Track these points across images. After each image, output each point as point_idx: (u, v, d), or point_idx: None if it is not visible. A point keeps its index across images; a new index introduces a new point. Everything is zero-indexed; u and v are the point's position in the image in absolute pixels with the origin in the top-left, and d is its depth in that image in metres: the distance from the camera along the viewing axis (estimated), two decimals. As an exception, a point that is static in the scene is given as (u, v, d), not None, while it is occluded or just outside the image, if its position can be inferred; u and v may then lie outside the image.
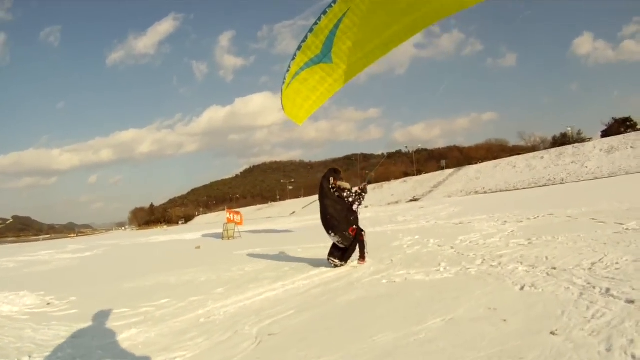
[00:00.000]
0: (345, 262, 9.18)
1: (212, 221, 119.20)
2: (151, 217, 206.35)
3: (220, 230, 27.92)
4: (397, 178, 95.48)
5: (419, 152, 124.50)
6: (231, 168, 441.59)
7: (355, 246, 9.20)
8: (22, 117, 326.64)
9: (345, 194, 9.22)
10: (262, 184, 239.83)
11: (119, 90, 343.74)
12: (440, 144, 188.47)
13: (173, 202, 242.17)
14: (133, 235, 74.72)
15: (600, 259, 6.40)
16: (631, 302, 4.38)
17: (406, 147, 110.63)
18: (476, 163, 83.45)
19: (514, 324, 4.25)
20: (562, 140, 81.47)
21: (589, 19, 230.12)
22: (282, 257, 12.95)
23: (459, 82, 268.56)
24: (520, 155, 74.48)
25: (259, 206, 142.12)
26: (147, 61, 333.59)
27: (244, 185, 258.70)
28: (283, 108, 10.88)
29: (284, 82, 10.07)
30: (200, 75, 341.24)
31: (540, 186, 51.34)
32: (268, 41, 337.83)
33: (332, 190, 9.23)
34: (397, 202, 68.34)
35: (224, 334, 5.36)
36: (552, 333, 3.90)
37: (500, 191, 55.30)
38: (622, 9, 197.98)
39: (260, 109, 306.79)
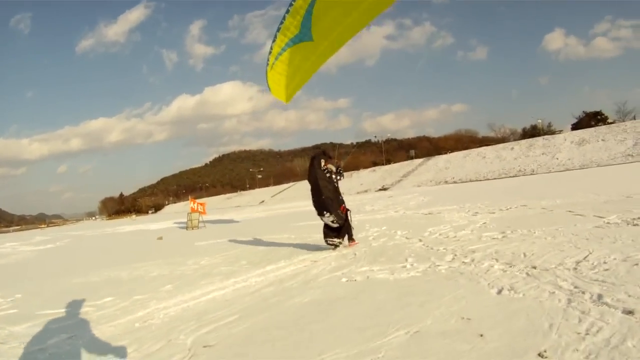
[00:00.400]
0: (342, 238, 9.47)
1: (181, 210, 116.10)
2: (121, 206, 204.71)
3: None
4: (366, 167, 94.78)
5: (388, 141, 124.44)
6: (200, 157, 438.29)
7: (348, 224, 9.50)
8: None
9: (333, 176, 9.62)
10: (232, 172, 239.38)
11: (88, 78, 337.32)
12: (410, 134, 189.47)
13: (143, 192, 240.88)
14: (102, 225, 73.45)
15: (585, 257, 5.68)
16: (630, 312, 3.66)
17: (375, 136, 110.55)
18: (445, 153, 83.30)
19: (493, 341, 3.46)
20: (532, 132, 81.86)
21: (561, 16, 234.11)
22: (241, 248, 12.24)
23: (428, 74, 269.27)
24: (490, 146, 74.46)
25: (228, 195, 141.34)
26: (117, 49, 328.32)
27: (213, 174, 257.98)
28: (269, 89, 10.82)
29: (267, 64, 10.07)
30: (170, 64, 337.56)
31: (510, 177, 51.38)
32: (239, 30, 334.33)
33: (324, 172, 9.53)
34: (366, 191, 67.94)
35: (156, 343, 4.58)
36: (541, 355, 3.12)
37: (470, 181, 55.28)
38: (595, 7, 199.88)
39: (229, 98, 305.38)
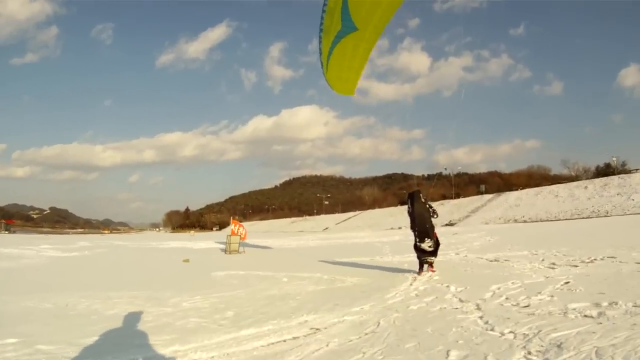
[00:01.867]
0: (435, 257, 10.96)
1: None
2: (185, 220, 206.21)
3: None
4: (434, 200, 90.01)
5: (459, 175, 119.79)
6: (272, 179, 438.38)
7: (438, 246, 10.97)
8: (69, 111, 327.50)
9: (431, 209, 11.08)
10: (300, 196, 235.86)
11: (166, 92, 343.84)
12: (482, 168, 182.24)
13: (210, 208, 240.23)
14: (158, 237, 73.49)
15: None
16: None
17: (445, 168, 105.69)
18: (517, 189, 78.77)
19: None
20: (605, 171, 76.54)
21: (636, 49, 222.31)
22: (252, 289, 10.11)
23: (504, 108, 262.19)
24: (563, 184, 69.90)
25: (293, 219, 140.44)
26: (196, 66, 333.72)
27: (282, 197, 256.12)
28: (332, 88, 11.26)
29: (322, 66, 10.44)
30: (249, 84, 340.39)
31: (583, 218, 47.14)
32: (318, 54, 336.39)
33: (426, 205, 10.99)
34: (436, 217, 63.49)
35: None
36: None
37: (541, 221, 51.29)
38: None
39: (305, 121, 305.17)
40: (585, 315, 5.51)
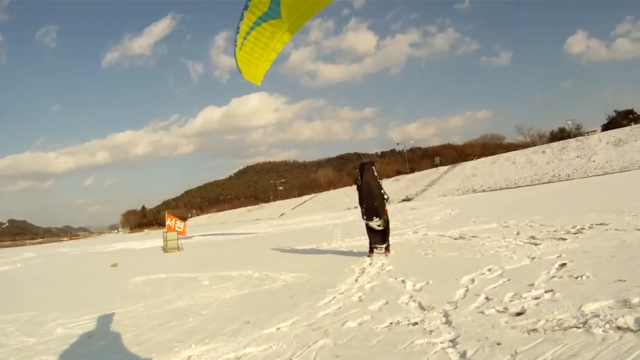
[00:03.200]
0: (386, 244, 9.76)
1: (203, 223, 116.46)
2: (142, 219, 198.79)
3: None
4: (389, 177, 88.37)
5: (412, 150, 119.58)
6: (226, 169, 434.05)
7: (388, 227, 9.89)
8: (18, 120, 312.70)
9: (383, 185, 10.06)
10: (256, 184, 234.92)
11: (115, 91, 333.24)
12: (435, 142, 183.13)
13: (167, 205, 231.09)
14: (113, 239, 69.26)
15: None
16: None
17: (397, 143, 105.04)
18: (472, 159, 77.68)
19: None
20: (560, 135, 76.38)
21: (582, 18, 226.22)
22: (162, 299, 7.83)
23: (453, 81, 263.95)
24: (520, 150, 69.13)
25: (249, 207, 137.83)
26: (142, 62, 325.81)
27: (237, 186, 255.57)
28: (240, 71, 10.69)
29: (235, 45, 10.05)
30: (196, 76, 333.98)
31: (544, 183, 46.26)
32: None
33: (377, 179, 9.88)
34: (388, 203, 61.88)
35: None
36: None
37: (501, 189, 50.24)
38: (616, 7, 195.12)
39: (256, 109, 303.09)
40: (619, 327, 3.36)
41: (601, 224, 9.20)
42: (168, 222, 22.58)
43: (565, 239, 8.04)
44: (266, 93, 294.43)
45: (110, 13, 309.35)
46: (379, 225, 9.62)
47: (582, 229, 9.03)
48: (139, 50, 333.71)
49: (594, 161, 48.52)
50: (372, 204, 9.66)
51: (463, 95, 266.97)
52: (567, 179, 44.94)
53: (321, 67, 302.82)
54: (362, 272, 7.91)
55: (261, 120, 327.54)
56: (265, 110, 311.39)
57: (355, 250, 11.12)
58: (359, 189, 9.96)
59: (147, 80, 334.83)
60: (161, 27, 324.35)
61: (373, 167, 10.04)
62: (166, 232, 21.77)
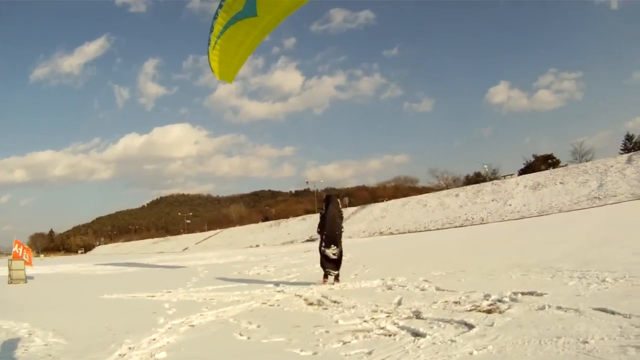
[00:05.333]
0: (337, 272, 9.95)
1: (109, 252, 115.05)
2: (50, 243, 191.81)
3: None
4: (298, 215, 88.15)
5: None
6: (142, 199, 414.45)
7: (341, 256, 10.20)
8: None
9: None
10: (167, 216, 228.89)
11: (40, 108, 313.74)
12: (352, 183, 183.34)
13: (77, 230, 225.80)
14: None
15: None
16: None
17: (306, 182, 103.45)
18: (382, 201, 75.70)
19: None
20: (476, 179, 75.64)
21: (506, 68, 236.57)
22: None
23: (374, 124, 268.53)
24: (432, 193, 67.63)
25: (155, 239, 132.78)
26: (70, 81, 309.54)
27: (149, 217, 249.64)
28: (212, 71, 10.95)
29: (209, 44, 10.21)
30: (121, 101, 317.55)
31: (456, 226, 44.07)
32: (192, 73, 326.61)
33: (341, 213, 10.76)
34: (292, 242, 59.54)
35: None
36: None
37: (409, 232, 47.78)
38: (540, 59, 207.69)
39: (177, 140, 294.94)
40: None
41: (531, 293, 5.62)
42: (15, 248, 19.26)
43: (470, 326, 4.33)
44: (189, 125, 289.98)
45: (47, 25, 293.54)
46: (334, 254, 9.98)
47: (500, 301, 5.44)
48: (69, 69, 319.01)
49: (510, 205, 47.07)
50: (334, 233, 10.16)
51: (383, 138, 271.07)
52: (481, 223, 43.07)
53: (246, 103, 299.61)
54: (132, 349, 4.89)
55: (181, 152, 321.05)
56: (186, 141, 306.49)
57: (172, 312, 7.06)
58: (323, 218, 10.36)
59: (72, 100, 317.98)
60: (93, 48, 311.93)
61: (338, 200, 10.95)
62: (12, 260, 18.57)
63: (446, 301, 5.88)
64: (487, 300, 5.59)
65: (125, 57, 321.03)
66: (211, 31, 9.87)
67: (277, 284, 10.89)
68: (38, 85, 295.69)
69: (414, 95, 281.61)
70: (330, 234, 10.13)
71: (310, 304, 7.23)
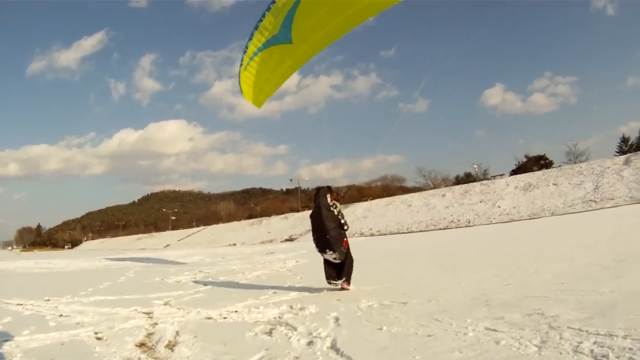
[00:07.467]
0: (344, 277, 8.55)
1: (95, 248, 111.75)
2: (37, 238, 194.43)
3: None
4: (280, 214, 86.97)
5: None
6: (134, 194, 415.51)
7: (350, 260, 8.67)
8: None
9: (338, 210, 8.75)
10: (157, 212, 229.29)
11: (36, 101, 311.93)
12: (343, 183, 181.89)
13: (66, 225, 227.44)
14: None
15: None
16: None
17: (290, 179, 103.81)
18: (366, 200, 73.74)
19: None
20: (465, 180, 73.83)
21: (502, 71, 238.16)
22: None
23: (368, 124, 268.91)
24: (418, 193, 65.42)
25: (139, 235, 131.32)
26: (66, 75, 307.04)
27: (139, 213, 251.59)
28: (241, 92, 10.86)
29: (241, 65, 10.08)
30: (117, 96, 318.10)
31: (440, 229, 41.92)
32: (189, 69, 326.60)
33: (332, 207, 8.67)
34: (271, 241, 57.57)
35: None
36: None
37: (391, 233, 45.57)
38: (536, 63, 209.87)
39: (171, 136, 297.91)
40: None
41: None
42: None
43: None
44: (185, 121, 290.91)
45: (45, 19, 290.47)
46: (335, 259, 8.46)
47: None
48: (66, 63, 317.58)
49: (499, 206, 44.66)
50: (324, 236, 8.33)
51: (377, 138, 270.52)
52: (466, 225, 40.85)
53: (242, 101, 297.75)
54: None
55: (175, 148, 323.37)
56: (181, 138, 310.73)
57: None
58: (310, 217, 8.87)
59: (69, 94, 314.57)
60: (92, 42, 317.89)
61: (328, 193, 8.83)
62: None
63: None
64: None
65: (123, 52, 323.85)
66: (245, 52, 9.80)
67: (167, 302, 8.52)
68: (34, 79, 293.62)
69: (409, 96, 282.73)
70: (319, 236, 8.53)
71: (142, 344, 4.76)
